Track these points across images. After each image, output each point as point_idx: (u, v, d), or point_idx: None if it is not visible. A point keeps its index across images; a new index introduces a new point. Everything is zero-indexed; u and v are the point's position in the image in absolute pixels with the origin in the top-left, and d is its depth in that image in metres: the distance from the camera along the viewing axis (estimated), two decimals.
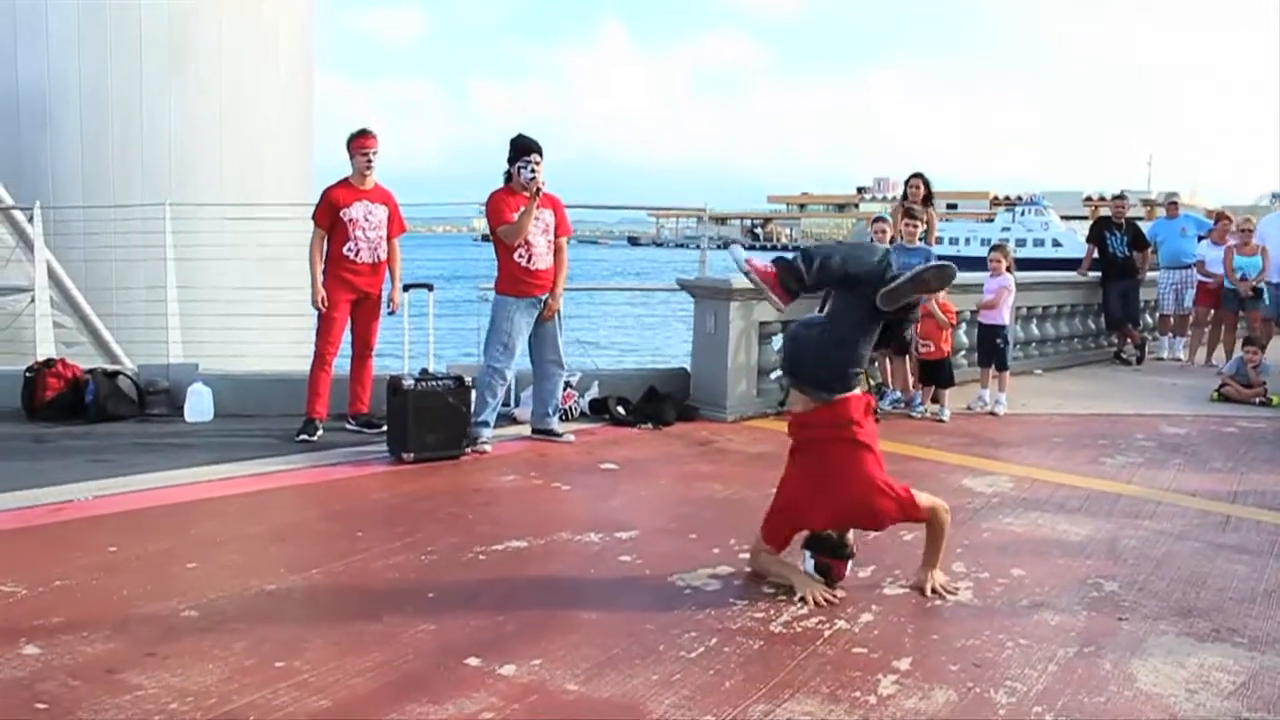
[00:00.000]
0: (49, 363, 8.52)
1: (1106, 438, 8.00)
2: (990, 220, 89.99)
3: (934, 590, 4.50)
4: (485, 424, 7.36)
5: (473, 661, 3.78)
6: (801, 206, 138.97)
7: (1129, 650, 3.96)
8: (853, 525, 4.52)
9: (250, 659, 3.76)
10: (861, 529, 4.58)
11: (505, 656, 3.80)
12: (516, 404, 8.26)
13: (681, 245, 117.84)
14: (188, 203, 9.09)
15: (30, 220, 9.54)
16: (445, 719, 3.34)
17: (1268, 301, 11.64)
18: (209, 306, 9.37)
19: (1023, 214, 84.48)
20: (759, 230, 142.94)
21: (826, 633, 4.08)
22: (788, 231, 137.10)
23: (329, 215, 7.67)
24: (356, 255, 7.70)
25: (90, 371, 8.58)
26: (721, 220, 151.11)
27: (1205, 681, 3.69)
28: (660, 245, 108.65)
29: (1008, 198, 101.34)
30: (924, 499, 4.48)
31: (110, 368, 8.92)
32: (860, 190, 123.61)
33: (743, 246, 5.05)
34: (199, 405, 8.36)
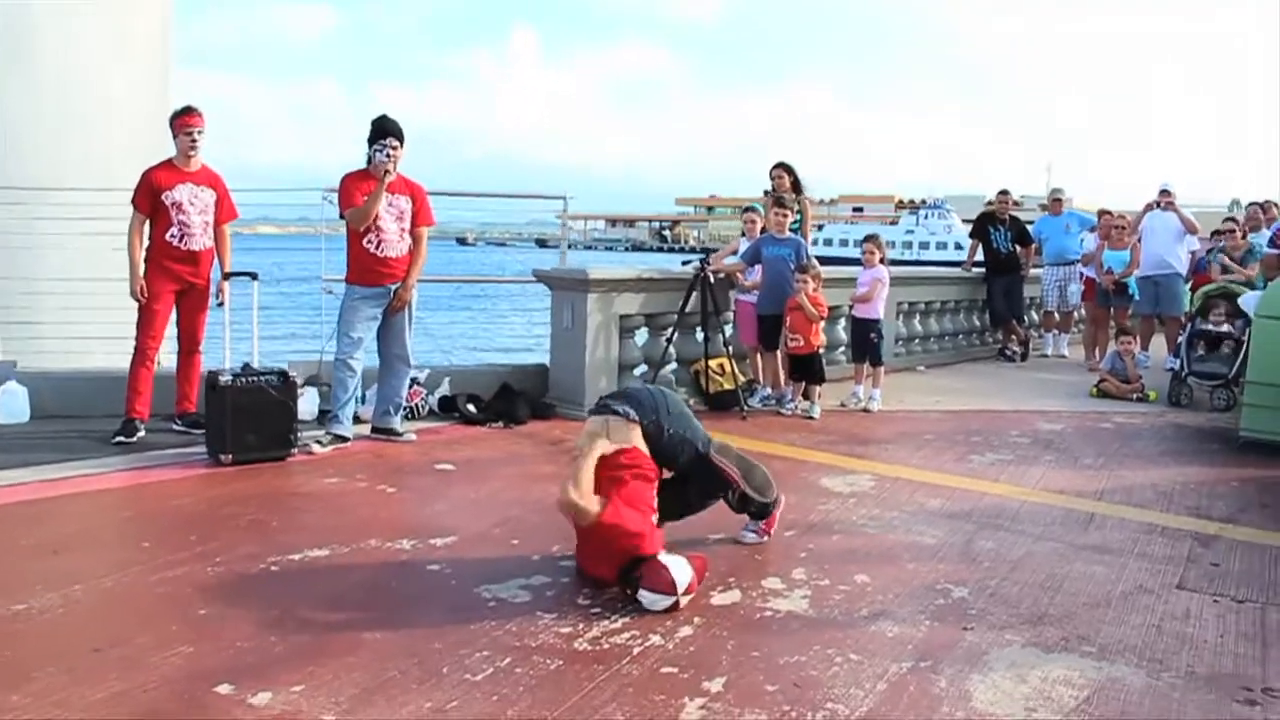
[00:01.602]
0: None
1: (980, 434, 7.72)
2: (894, 223, 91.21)
3: None
4: (336, 419, 6.84)
5: (223, 689, 3.27)
6: (710, 209, 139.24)
7: (969, 664, 3.58)
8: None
9: None
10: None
11: (263, 683, 3.30)
12: (362, 402, 7.70)
13: (590, 247, 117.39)
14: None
15: None
16: None
17: (1137, 297, 11.55)
18: (44, 300, 8.64)
19: (926, 217, 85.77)
20: (666, 233, 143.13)
21: (636, 650, 3.64)
22: (695, 233, 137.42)
23: (149, 199, 7.03)
24: (180, 242, 7.07)
25: None
26: (630, 223, 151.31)
27: (1046, 697, 3.33)
28: (570, 247, 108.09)
29: (912, 201, 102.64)
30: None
31: None
32: (767, 192, 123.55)
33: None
34: (12, 406, 7.62)
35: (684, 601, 3.99)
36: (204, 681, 3.32)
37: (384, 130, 6.81)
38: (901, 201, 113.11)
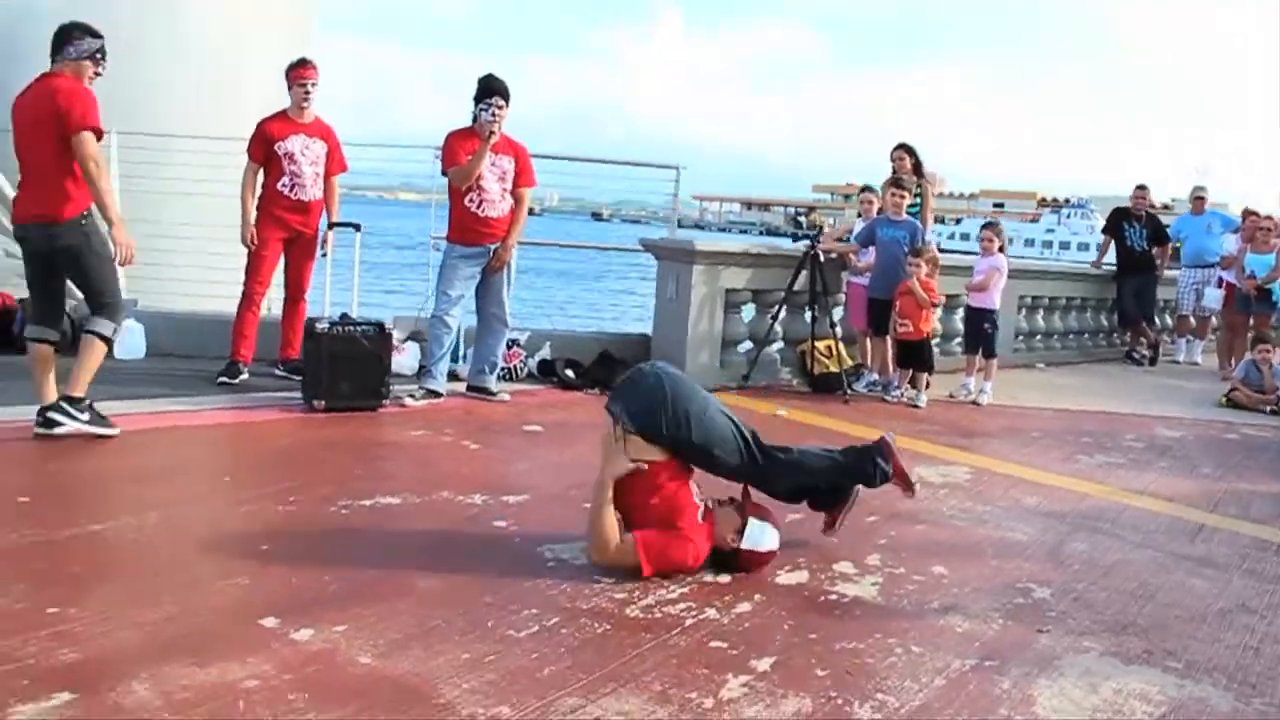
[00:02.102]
0: None
1: (1091, 435, 7.36)
2: (1035, 221, 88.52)
3: None
4: (430, 374, 6.89)
5: (269, 622, 3.27)
6: (846, 197, 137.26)
7: (1038, 667, 3.37)
8: None
9: (23, 603, 3.29)
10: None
11: (309, 620, 3.29)
12: (463, 360, 7.72)
13: (724, 230, 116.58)
14: (136, 131, 8.53)
15: None
16: (202, 684, 2.82)
17: None
18: (170, 243, 8.91)
19: (1068, 216, 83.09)
20: (802, 219, 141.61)
21: (689, 621, 3.52)
22: (831, 221, 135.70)
23: (263, 148, 7.17)
24: (291, 191, 7.20)
25: (21, 301, 8.13)
26: (765, 207, 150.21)
27: (1117, 710, 3.10)
28: (702, 229, 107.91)
29: (1055, 200, 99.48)
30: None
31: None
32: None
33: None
34: (130, 342, 7.88)
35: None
36: (252, 613, 3.34)
37: (490, 89, 6.78)
38: (1044, 199, 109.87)
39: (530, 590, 3.70)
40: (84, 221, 5.38)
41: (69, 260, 5.43)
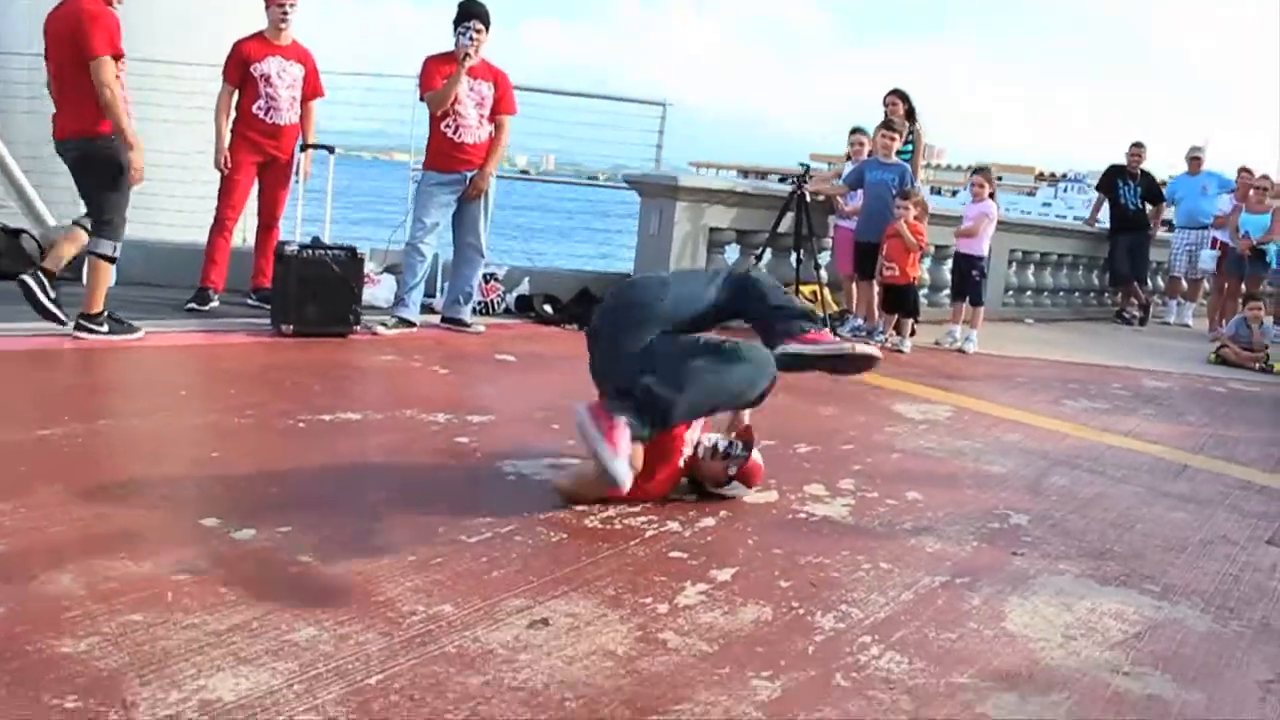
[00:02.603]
0: None
1: (1078, 383, 7.22)
2: (1032, 194, 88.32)
3: None
4: (403, 303, 6.74)
5: (209, 522, 3.13)
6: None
7: (1010, 586, 3.24)
8: None
9: None
10: None
11: (252, 522, 3.14)
12: (439, 294, 7.56)
13: None
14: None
15: None
16: (130, 575, 2.69)
17: (1275, 265, 10.71)
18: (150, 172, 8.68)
19: (1065, 190, 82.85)
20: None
21: (649, 533, 3.39)
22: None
23: (239, 70, 6.96)
24: (266, 115, 7.00)
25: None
26: (762, 174, 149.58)
27: (1090, 628, 2.97)
28: None
29: (1052, 174, 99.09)
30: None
31: (12, 226, 8.26)
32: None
33: None
34: None
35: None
36: (192, 513, 3.20)
37: (469, 13, 6.60)
38: (1041, 174, 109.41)
39: (486, 500, 3.57)
40: (114, 140, 5.57)
41: (87, 172, 5.66)
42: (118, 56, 5.51)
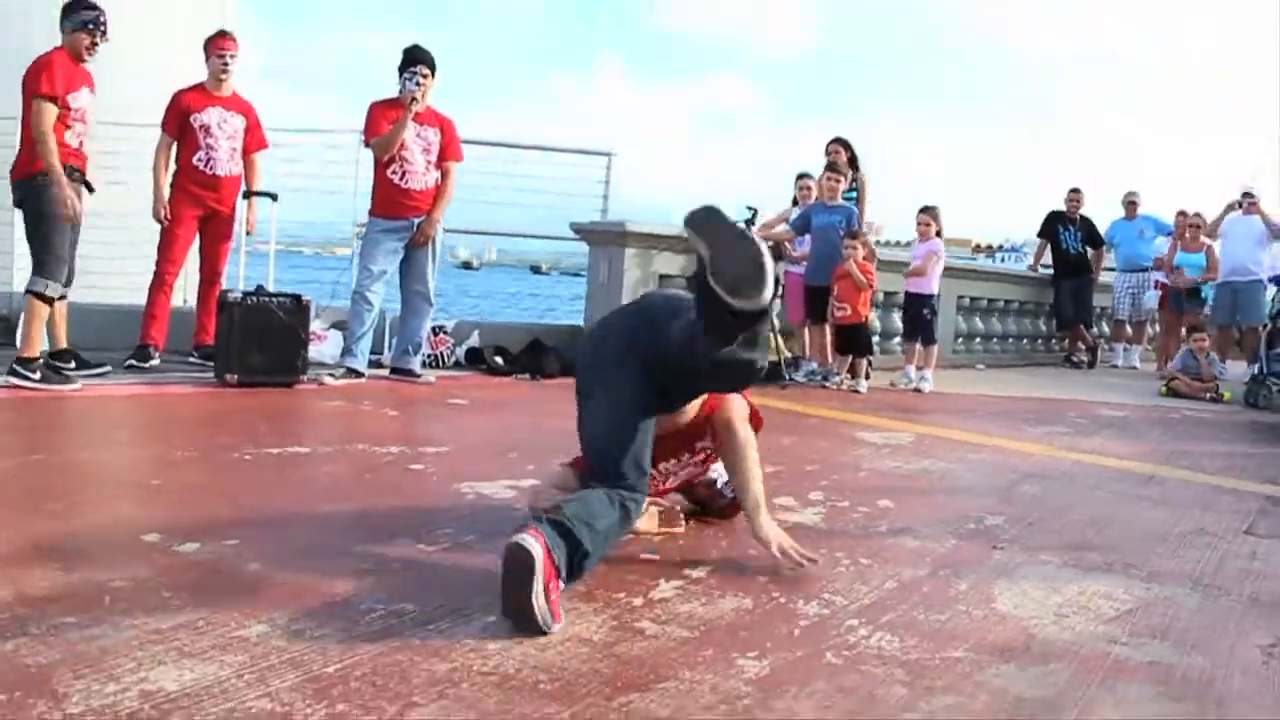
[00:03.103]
0: None
1: (1034, 414, 7.20)
2: None
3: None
4: (350, 353, 6.57)
5: (150, 537, 2.94)
6: None
7: (995, 574, 3.12)
8: None
9: None
10: None
11: (195, 537, 2.95)
12: (388, 349, 7.39)
13: None
14: None
15: None
16: (65, 583, 2.49)
17: (1211, 303, 10.90)
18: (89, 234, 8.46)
19: (1003, 260, 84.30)
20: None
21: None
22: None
23: (177, 121, 6.84)
24: (206, 166, 6.87)
25: None
26: None
27: (1082, 607, 2.85)
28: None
29: (989, 246, 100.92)
30: None
31: None
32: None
33: None
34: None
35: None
36: (133, 529, 3.00)
37: (414, 58, 6.56)
38: (978, 245, 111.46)
39: (445, 516, 3.40)
40: (46, 178, 5.56)
41: (25, 211, 5.68)
42: (58, 99, 5.58)
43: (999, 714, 2.11)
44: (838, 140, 8.98)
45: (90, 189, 5.96)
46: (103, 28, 5.73)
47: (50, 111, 5.53)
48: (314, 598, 2.51)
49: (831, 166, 8.25)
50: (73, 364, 5.95)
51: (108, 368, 5.92)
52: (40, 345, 5.66)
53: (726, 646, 2.39)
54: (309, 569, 2.74)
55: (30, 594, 2.41)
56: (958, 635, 2.55)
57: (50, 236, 5.59)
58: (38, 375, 5.52)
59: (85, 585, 2.50)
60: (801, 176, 8.76)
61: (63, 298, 5.81)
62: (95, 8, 5.72)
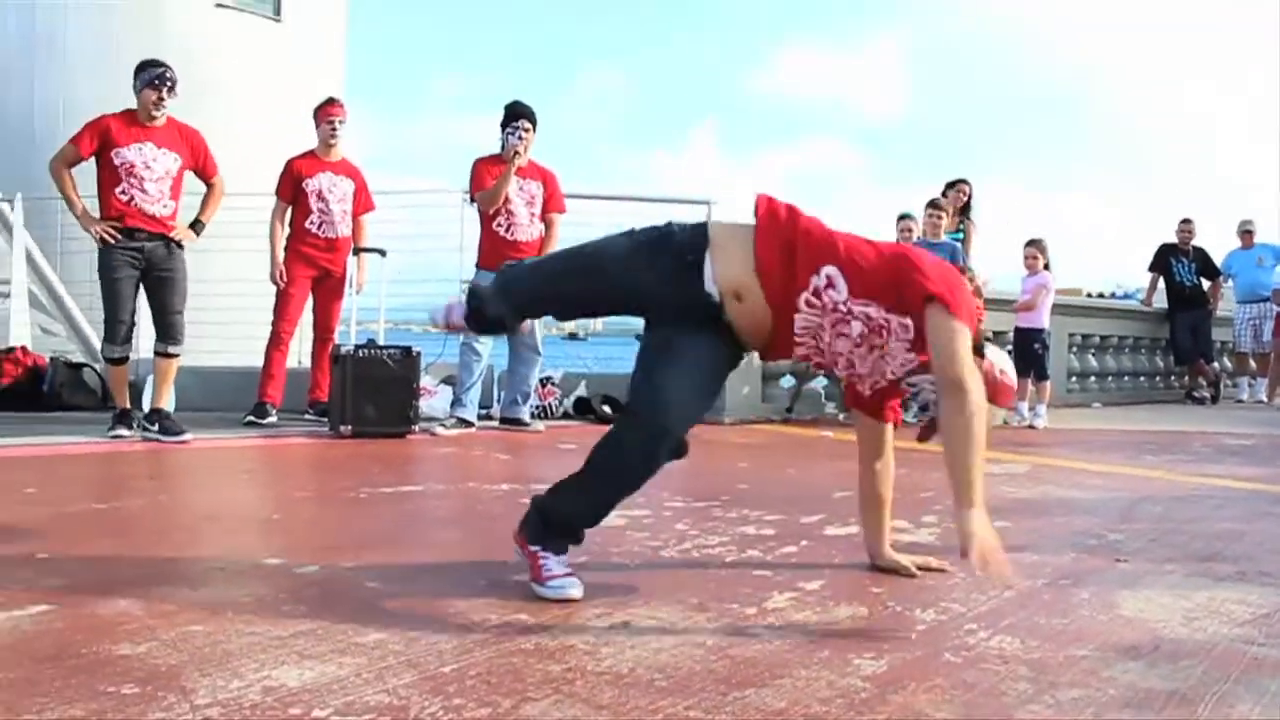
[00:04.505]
0: (8, 350, 8.06)
1: (1156, 445, 6.96)
2: None
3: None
4: (460, 403, 6.68)
5: (271, 560, 3.02)
6: None
7: (1119, 584, 3.02)
8: None
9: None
10: None
11: (314, 561, 3.02)
12: (496, 403, 7.50)
13: None
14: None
15: (11, 208, 9.16)
16: (192, 598, 2.56)
17: None
18: (210, 300, 8.80)
19: None
20: None
21: (729, 558, 3.23)
22: None
23: (291, 187, 7.12)
24: (319, 229, 7.11)
25: (52, 360, 8.09)
26: None
27: (1213, 611, 2.74)
28: None
29: (1100, 294, 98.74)
30: None
31: (75, 359, 8.41)
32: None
33: None
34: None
35: None
36: (255, 557, 3.09)
37: (516, 113, 6.72)
38: (1089, 294, 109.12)
39: None
40: (98, 244, 5.86)
41: None
42: (80, 148, 5.83)
43: (1127, 706, 2.04)
44: (963, 180, 8.95)
45: (177, 245, 6.04)
46: (169, 83, 5.87)
47: (61, 155, 5.86)
48: (429, 609, 2.55)
49: (933, 203, 8.18)
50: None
51: (188, 435, 5.90)
52: (124, 400, 6.07)
53: (843, 649, 2.35)
54: (424, 586, 2.79)
55: (160, 608, 2.49)
56: (1082, 637, 2.48)
57: (103, 298, 5.90)
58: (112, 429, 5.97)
59: (210, 600, 2.58)
60: (903, 217, 8.69)
61: (124, 358, 5.98)
62: (161, 64, 5.89)
